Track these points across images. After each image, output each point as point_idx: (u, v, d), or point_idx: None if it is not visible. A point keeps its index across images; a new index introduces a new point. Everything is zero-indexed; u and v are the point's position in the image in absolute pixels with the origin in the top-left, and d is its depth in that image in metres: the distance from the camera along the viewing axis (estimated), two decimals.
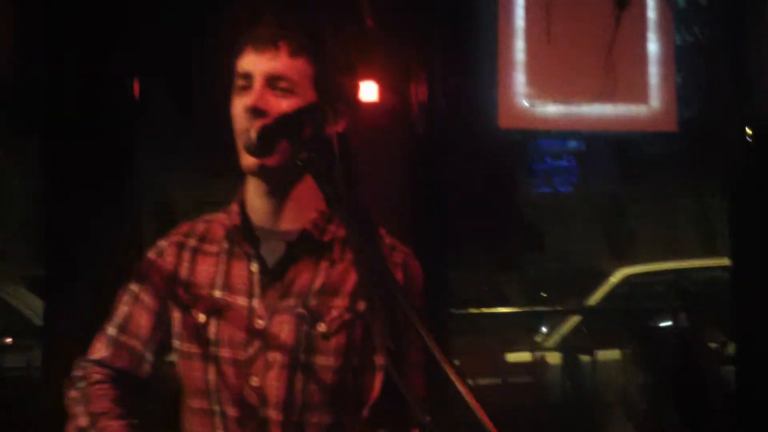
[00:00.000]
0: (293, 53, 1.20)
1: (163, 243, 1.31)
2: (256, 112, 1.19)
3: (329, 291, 1.23)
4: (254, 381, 1.20)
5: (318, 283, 1.23)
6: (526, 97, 3.53)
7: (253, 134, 1.15)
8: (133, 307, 1.29)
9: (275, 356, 1.20)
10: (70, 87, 2.91)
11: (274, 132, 1.16)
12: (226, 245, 1.26)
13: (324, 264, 1.24)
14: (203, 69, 2.97)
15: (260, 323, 1.21)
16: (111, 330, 1.30)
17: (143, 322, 1.28)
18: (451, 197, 3.41)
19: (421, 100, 3.27)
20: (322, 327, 1.21)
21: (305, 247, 1.24)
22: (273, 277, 1.22)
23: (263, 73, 1.20)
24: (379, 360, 1.20)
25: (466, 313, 4.72)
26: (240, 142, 1.21)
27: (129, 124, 3.01)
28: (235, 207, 1.28)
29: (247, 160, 1.21)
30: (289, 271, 1.23)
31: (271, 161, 1.19)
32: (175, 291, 1.26)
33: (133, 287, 1.30)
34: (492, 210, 3.54)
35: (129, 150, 2.99)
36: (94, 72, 2.90)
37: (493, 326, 5.10)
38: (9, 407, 3.56)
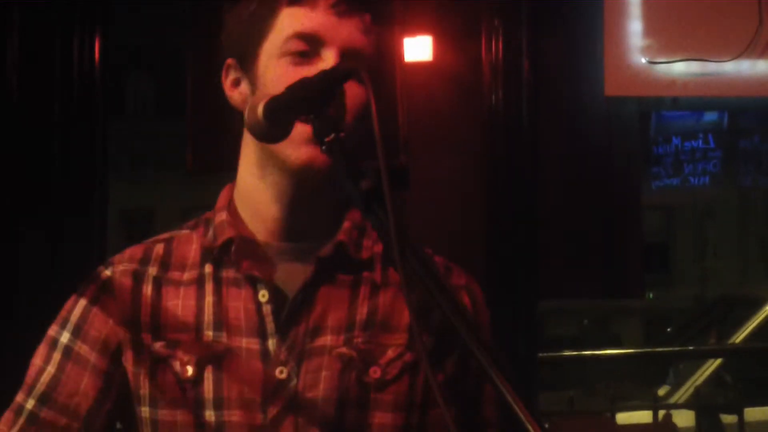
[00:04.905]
0: (367, 30, 1.22)
1: (105, 274, 1.28)
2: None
3: (378, 324, 1.24)
4: None
5: (362, 313, 1.24)
6: (644, 52, 3.50)
7: (260, 109, 1.12)
8: (64, 367, 1.25)
9: (311, 417, 1.19)
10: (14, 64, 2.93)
11: (291, 104, 1.13)
12: (208, 269, 1.26)
13: (364, 289, 1.25)
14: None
15: (283, 372, 1.20)
16: (28, 401, 1.25)
17: (84, 386, 1.24)
18: (539, 196, 3.41)
19: (494, 62, 3.29)
20: (376, 372, 1.21)
21: (340, 265, 1.24)
22: (294, 308, 1.21)
23: (342, 45, 1.20)
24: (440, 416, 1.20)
25: (560, 356, 4.68)
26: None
27: (92, 112, 3.01)
28: (223, 216, 1.28)
29: (305, 153, 1.17)
30: (318, 299, 1.23)
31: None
32: (138, 337, 1.24)
33: (62, 338, 1.27)
34: (595, 213, 3.52)
35: (92, 144, 2.98)
36: (45, 48, 2.92)
37: (598, 374, 5.21)
38: None
